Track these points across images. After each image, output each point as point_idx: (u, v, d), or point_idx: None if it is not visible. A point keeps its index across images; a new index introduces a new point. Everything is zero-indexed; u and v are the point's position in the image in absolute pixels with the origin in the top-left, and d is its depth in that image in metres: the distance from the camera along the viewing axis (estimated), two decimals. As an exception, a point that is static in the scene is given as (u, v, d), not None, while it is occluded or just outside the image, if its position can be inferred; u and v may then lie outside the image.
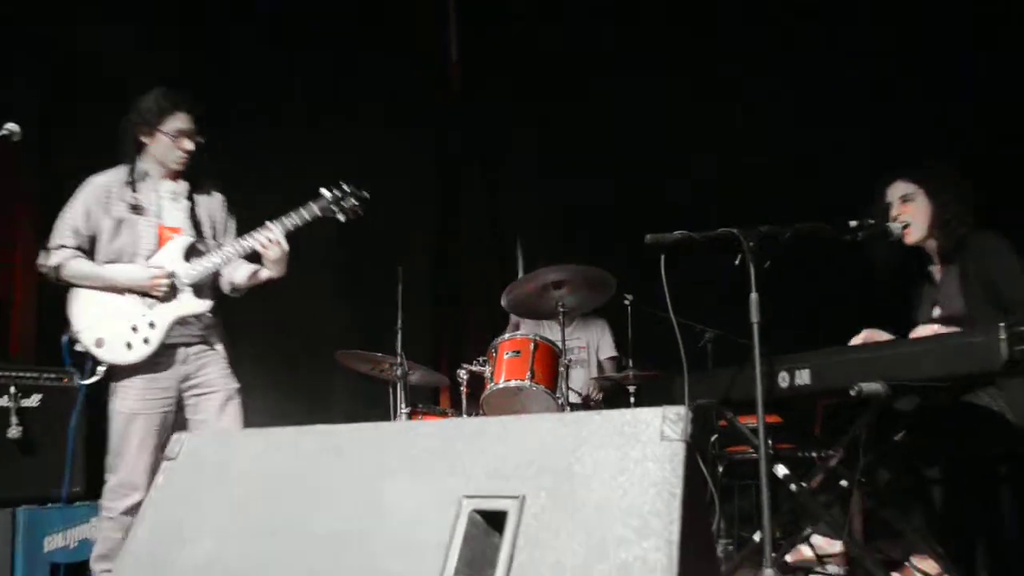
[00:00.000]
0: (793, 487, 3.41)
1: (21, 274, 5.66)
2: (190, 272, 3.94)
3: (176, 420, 3.96)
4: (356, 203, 4.01)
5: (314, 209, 3.99)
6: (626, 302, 5.43)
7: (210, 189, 4.21)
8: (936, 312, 3.73)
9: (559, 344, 5.05)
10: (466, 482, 1.95)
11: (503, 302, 5.28)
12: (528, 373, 4.88)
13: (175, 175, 4.07)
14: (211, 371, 4.01)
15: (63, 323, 3.91)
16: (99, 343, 3.85)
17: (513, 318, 5.99)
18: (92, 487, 4.61)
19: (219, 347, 4.08)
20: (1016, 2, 5.52)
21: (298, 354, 6.15)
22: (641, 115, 6.88)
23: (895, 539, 3.93)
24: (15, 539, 4.23)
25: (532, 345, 4.98)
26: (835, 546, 3.98)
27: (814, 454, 4.06)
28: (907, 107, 6.05)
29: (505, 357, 5.00)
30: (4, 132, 3.50)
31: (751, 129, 6.61)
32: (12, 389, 4.43)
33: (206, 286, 4.05)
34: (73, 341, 3.87)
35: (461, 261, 7.58)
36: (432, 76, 7.60)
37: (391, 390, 5.51)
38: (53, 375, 4.66)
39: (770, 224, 3.31)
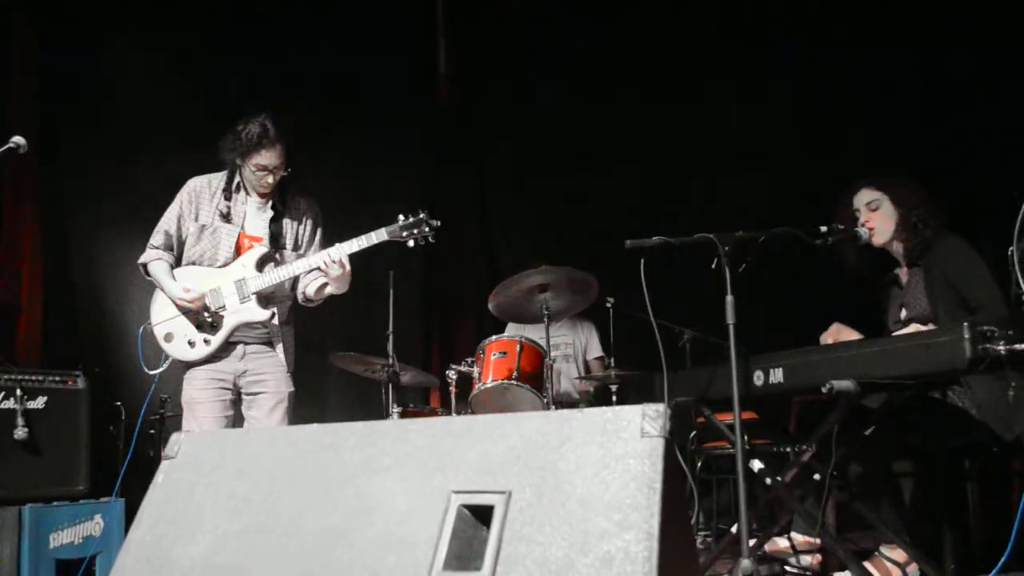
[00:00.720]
0: (768, 481, 3.42)
1: (28, 281, 5.64)
2: (257, 282, 3.99)
3: (237, 412, 4.08)
4: (428, 230, 3.98)
5: (383, 234, 3.98)
6: (608, 304, 5.42)
7: (300, 202, 4.23)
8: (903, 313, 3.75)
9: (544, 345, 5.05)
10: (454, 478, 1.94)
11: (490, 305, 5.27)
12: (514, 373, 4.87)
13: (266, 196, 4.13)
14: (267, 372, 4.07)
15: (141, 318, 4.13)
16: (168, 338, 4.03)
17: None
18: (97, 485, 4.60)
19: (279, 350, 4.11)
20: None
21: (294, 357, 6.14)
22: (628, 119, 6.87)
23: (866, 530, 3.93)
24: (21, 536, 4.20)
25: (518, 346, 4.99)
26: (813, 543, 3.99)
27: (788, 449, 4.07)
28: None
29: (492, 358, 5.01)
30: (11, 145, 3.50)
31: (732, 133, 6.61)
32: (18, 391, 4.40)
33: (273, 296, 4.09)
34: (148, 333, 4.06)
35: (451, 265, 7.55)
36: (421, 79, 7.56)
37: (383, 391, 5.49)
38: (58, 378, 4.63)
39: (745, 230, 3.32)
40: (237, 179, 4.12)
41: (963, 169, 5.47)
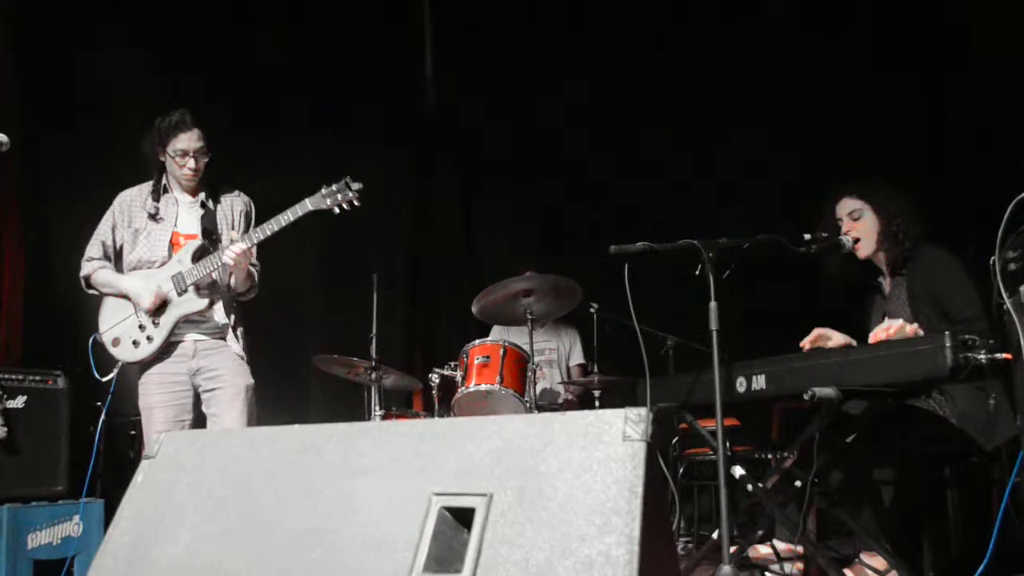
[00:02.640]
0: (750, 487, 3.42)
1: (9, 280, 5.60)
2: (194, 273, 3.99)
3: (199, 415, 4.08)
4: (351, 193, 3.97)
5: (307, 205, 3.95)
6: (592, 310, 5.43)
7: (230, 198, 4.25)
8: (885, 323, 3.76)
9: (527, 349, 5.05)
10: (435, 480, 1.93)
11: (474, 309, 5.27)
12: (497, 377, 4.88)
13: (196, 186, 4.17)
14: (221, 367, 4.04)
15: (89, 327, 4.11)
16: (115, 343, 4.04)
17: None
18: (75, 486, 4.57)
19: (232, 343, 4.10)
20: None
21: (277, 359, 6.11)
22: (615, 122, 6.88)
23: (847, 537, 3.95)
24: (-1, 536, 4.18)
25: (501, 350, 4.99)
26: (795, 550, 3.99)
27: (770, 455, 4.08)
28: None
29: (476, 362, 5.01)
30: (-6, 143, 3.47)
31: (716, 138, 6.62)
32: (-2, 391, 4.39)
33: (210, 287, 4.07)
34: (97, 342, 4.08)
35: (435, 269, 7.55)
36: (405, 82, 7.55)
37: (366, 393, 5.48)
38: (38, 377, 4.61)
39: (729, 236, 3.33)
40: (164, 180, 4.17)
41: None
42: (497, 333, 5.93)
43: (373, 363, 5.19)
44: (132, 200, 4.16)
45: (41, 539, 4.32)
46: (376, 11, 7.13)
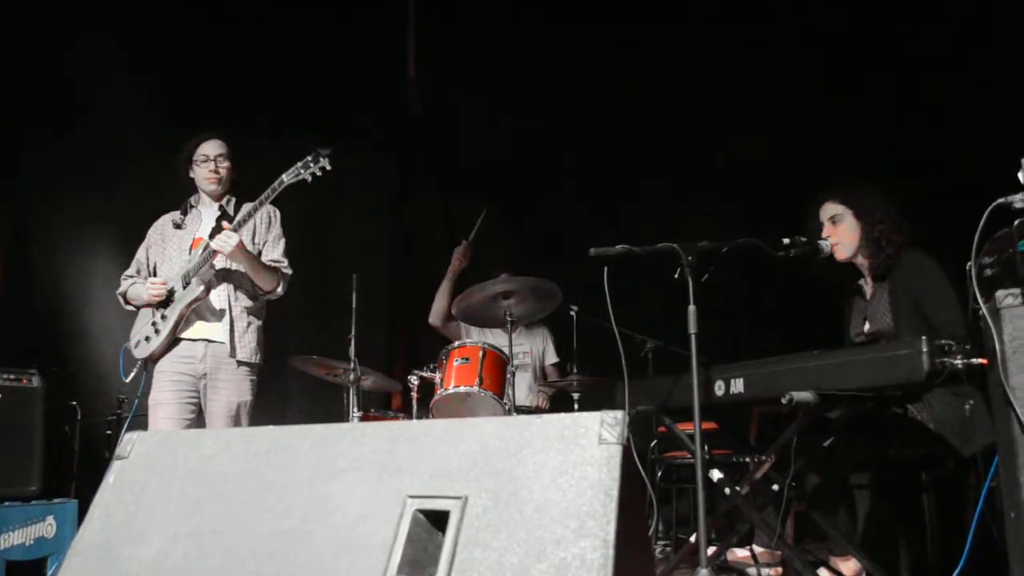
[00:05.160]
0: (728, 491, 3.43)
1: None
2: (190, 263, 4.16)
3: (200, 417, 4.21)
4: (323, 158, 4.04)
5: (284, 180, 4.06)
6: (572, 313, 5.42)
7: (251, 205, 4.26)
8: (866, 327, 3.77)
9: (506, 351, 5.04)
10: (410, 482, 1.93)
11: (453, 310, 5.27)
12: (476, 379, 4.86)
13: (218, 197, 4.40)
14: (222, 380, 4.15)
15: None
16: (136, 346, 4.26)
17: None
18: (50, 486, 4.54)
19: (242, 355, 4.18)
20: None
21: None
22: (594, 124, 6.88)
23: (825, 541, 3.96)
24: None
25: (481, 352, 4.96)
26: (774, 554, 4.00)
27: (748, 459, 4.09)
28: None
29: (455, 364, 4.98)
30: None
31: (701, 138, 6.62)
32: (-29, 390, 4.35)
33: (211, 278, 4.18)
34: (127, 351, 4.30)
35: (415, 269, 7.52)
36: (390, 85, 7.53)
37: (345, 395, 5.46)
38: (12, 376, 4.57)
39: (708, 240, 3.33)
40: (192, 198, 4.42)
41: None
42: (476, 336, 5.92)
43: (352, 364, 5.17)
44: (165, 224, 4.44)
45: (14, 540, 4.29)
46: (362, 7, 7.12)
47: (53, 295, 6.18)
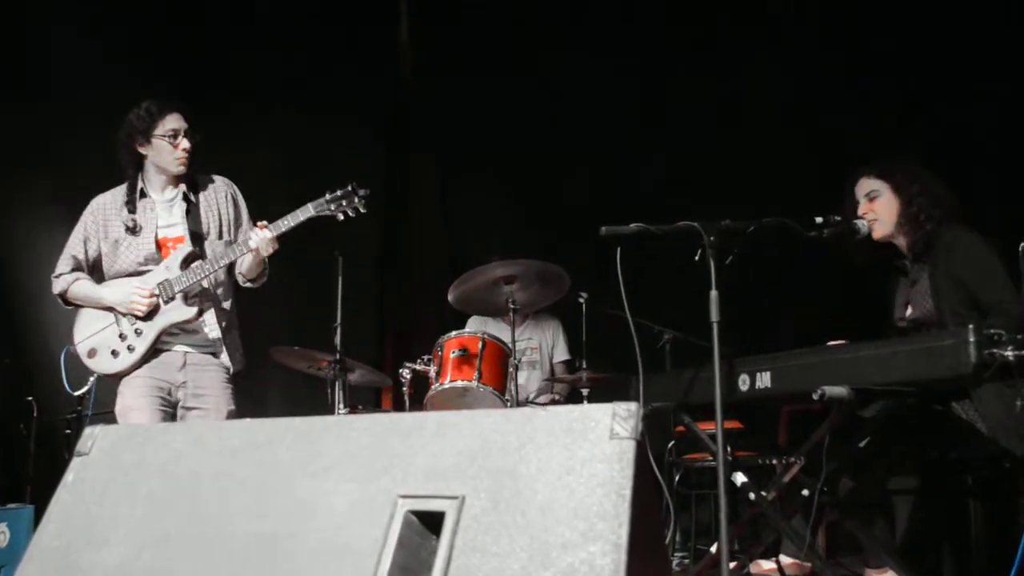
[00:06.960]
0: (752, 496, 3.43)
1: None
2: (182, 281, 4.04)
3: None
4: (358, 200, 4.04)
5: (309, 210, 4.04)
6: (580, 300, 5.42)
7: (212, 186, 4.29)
8: (908, 311, 3.77)
9: (509, 343, 5.04)
10: (402, 481, 1.92)
11: (450, 297, 5.26)
12: (475, 373, 4.86)
13: (176, 180, 4.22)
14: (207, 388, 4.11)
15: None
16: (91, 354, 4.09)
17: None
18: (2, 490, 4.55)
19: (225, 362, 4.17)
20: None
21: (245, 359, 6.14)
22: (598, 105, 6.88)
23: (861, 553, 3.96)
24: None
25: (480, 343, 4.96)
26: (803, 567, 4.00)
27: (775, 461, 4.09)
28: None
29: (451, 356, 4.98)
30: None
31: (715, 120, 6.63)
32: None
33: (200, 295, 4.13)
34: (72, 354, 4.19)
35: (410, 254, 7.54)
36: (381, 65, 7.56)
37: (329, 390, 5.47)
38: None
39: (732, 218, 3.32)
40: (140, 183, 4.21)
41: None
42: (474, 324, 5.92)
43: (337, 356, 5.18)
44: (106, 207, 4.22)
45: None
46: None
47: (8, 284, 6.20)
